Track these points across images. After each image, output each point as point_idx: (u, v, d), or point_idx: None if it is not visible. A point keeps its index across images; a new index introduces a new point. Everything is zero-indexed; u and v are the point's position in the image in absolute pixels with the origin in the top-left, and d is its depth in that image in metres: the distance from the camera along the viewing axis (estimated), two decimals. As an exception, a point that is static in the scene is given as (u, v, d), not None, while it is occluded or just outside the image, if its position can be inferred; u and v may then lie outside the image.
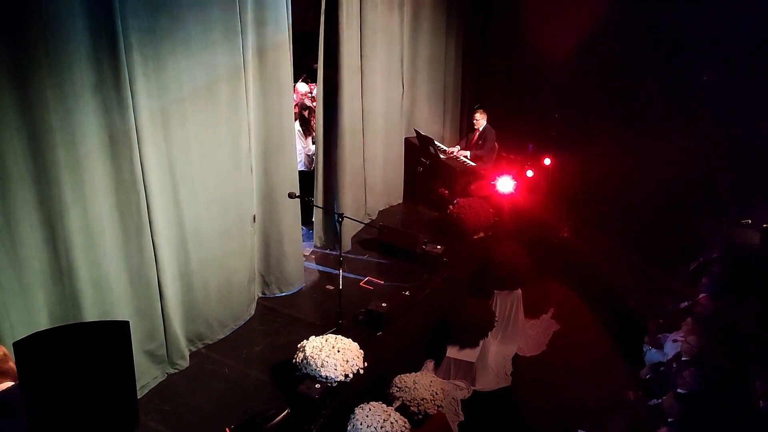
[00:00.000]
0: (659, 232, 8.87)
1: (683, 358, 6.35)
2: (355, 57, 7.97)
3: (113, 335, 4.10)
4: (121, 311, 5.40)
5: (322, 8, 7.46)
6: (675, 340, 6.76)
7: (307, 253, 8.13)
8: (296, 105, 9.07)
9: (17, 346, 4.01)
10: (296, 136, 8.45)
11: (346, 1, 7.59)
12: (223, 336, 6.62)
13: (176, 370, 6.10)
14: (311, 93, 10.11)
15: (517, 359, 7.55)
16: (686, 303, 7.26)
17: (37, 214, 4.75)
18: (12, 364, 4.20)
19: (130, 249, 5.45)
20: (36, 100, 4.53)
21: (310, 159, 8.71)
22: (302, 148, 8.50)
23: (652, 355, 6.93)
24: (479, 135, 9.37)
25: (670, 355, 6.64)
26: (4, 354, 4.20)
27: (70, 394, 4.03)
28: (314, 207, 8.59)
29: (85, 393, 4.06)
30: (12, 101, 4.43)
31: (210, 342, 6.52)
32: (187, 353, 6.23)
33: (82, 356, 4.04)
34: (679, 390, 5.94)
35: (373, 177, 8.93)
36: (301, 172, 8.60)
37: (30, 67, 4.45)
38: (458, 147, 9.74)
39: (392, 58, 8.83)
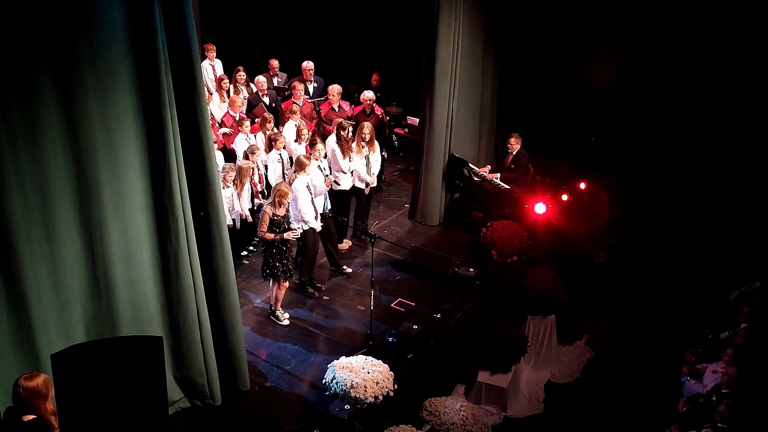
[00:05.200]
0: (699, 258, 8.65)
1: (723, 390, 6.15)
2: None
3: (146, 350, 4.17)
4: (156, 333, 5.38)
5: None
6: (715, 371, 6.55)
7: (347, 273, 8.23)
8: (331, 123, 9.12)
9: (54, 358, 4.11)
10: (333, 156, 8.45)
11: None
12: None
13: (214, 404, 5.89)
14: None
15: (549, 386, 7.39)
16: (727, 333, 7.04)
17: (78, 231, 4.87)
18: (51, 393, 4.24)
19: (167, 273, 5.46)
20: (81, 118, 4.67)
21: (347, 179, 8.66)
22: (342, 167, 8.46)
23: (690, 386, 6.72)
24: (512, 158, 9.32)
25: (710, 387, 6.44)
26: (46, 379, 4.25)
27: (103, 404, 4.10)
28: (346, 225, 8.67)
29: (117, 405, 4.13)
30: (58, 117, 4.58)
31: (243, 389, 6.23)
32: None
33: (115, 369, 4.12)
34: (719, 424, 5.75)
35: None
36: (338, 191, 8.58)
37: (77, 83, 4.60)
38: (489, 167, 9.68)
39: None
